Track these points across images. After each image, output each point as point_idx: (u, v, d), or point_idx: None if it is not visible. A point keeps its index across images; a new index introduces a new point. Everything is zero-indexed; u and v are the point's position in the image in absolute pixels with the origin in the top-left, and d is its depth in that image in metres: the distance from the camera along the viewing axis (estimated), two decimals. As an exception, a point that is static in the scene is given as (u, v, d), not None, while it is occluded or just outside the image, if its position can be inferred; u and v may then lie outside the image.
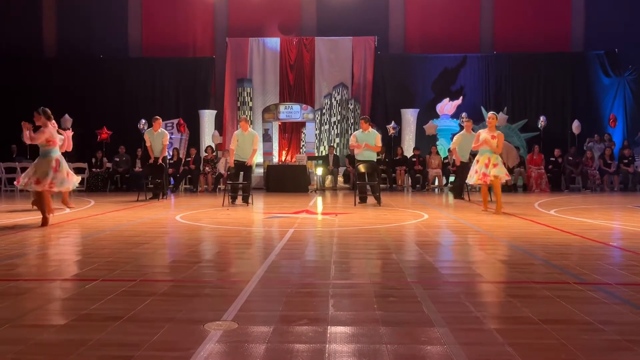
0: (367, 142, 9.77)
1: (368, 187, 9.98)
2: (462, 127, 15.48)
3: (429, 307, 2.99)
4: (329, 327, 2.66)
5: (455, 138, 10.98)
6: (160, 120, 11.22)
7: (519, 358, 2.24)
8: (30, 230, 6.27)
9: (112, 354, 2.33)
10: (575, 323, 2.73)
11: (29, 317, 2.87)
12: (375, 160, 10.07)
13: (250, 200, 9.89)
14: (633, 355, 2.30)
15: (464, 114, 15.77)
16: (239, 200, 10.14)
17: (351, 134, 16.84)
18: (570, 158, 14.33)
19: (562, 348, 2.36)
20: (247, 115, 16.87)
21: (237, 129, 16.80)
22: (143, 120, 15.78)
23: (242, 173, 10.39)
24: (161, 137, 10.92)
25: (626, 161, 14.19)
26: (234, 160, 10.06)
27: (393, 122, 15.88)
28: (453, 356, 2.27)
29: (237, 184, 10.19)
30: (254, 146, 10.12)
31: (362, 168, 9.80)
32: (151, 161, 10.95)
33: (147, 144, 11.06)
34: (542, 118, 15.40)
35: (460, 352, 2.31)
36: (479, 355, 2.28)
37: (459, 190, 10.97)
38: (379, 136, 10.05)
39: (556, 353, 2.32)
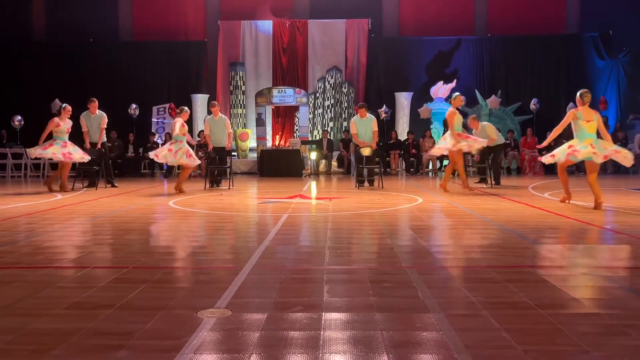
0: (365, 127, 9.93)
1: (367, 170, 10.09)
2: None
3: (424, 293, 2.97)
4: (323, 313, 2.64)
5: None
6: (96, 102, 10.18)
7: (515, 344, 2.23)
8: (21, 217, 6.20)
9: (104, 343, 2.29)
10: (571, 307, 2.72)
11: (19, 305, 2.82)
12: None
13: (232, 184, 10.06)
14: (630, 339, 2.29)
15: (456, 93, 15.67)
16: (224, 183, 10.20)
17: (345, 118, 16.83)
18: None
19: (559, 333, 2.35)
20: (238, 100, 16.75)
21: (230, 113, 16.76)
22: (134, 105, 15.62)
23: (218, 157, 10.38)
24: (99, 120, 10.10)
25: (619, 144, 14.18)
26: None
27: (385, 107, 15.79)
28: (449, 342, 2.25)
29: (218, 168, 10.31)
30: (227, 130, 10.12)
31: (364, 152, 9.83)
32: (87, 147, 9.89)
33: (84, 129, 10.02)
34: (532, 101, 15.34)
35: (456, 338, 2.30)
36: (475, 342, 2.26)
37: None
38: (375, 120, 10.04)
39: (552, 338, 2.30)
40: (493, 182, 10.30)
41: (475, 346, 2.21)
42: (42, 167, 13.90)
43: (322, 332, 2.39)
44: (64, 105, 9.69)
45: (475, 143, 9.06)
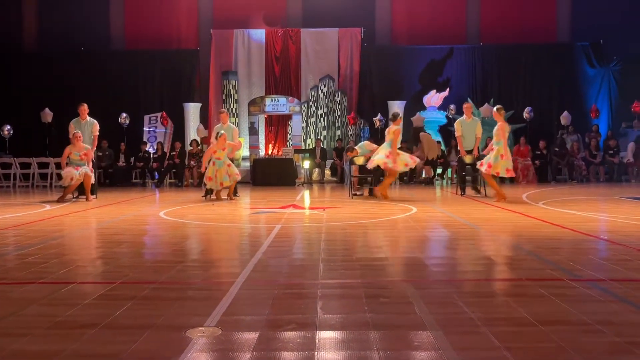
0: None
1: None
2: (449, 119, 15.46)
3: (421, 309, 2.89)
4: (317, 332, 2.54)
5: (456, 125, 10.31)
6: (86, 106, 9.76)
7: (517, 364, 2.14)
8: (8, 229, 6.07)
9: (87, 366, 2.18)
10: (573, 324, 2.64)
11: (0, 324, 2.71)
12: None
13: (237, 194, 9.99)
14: (635, 358, 2.21)
15: (452, 106, 15.70)
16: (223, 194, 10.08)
17: (338, 126, 16.75)
18: (557, 149, 14.35)
19: (561, 352, 2.27)
20: (231, 108, 16.65)
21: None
22: (124, 114, 15.49)
23: None
24: (90, 127, 9.74)
25: (611, 152, 14.24)
26: None
27: (379, 115, 15.77)
28: (448, 363, 2.16)
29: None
30: (234, 140, 9.96)
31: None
32: None
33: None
34: (526, 109, 15.37)
35: (456, 357, 2.21)
36: (475, 362, 2.17)
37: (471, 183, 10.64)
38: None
39: (555, 357, 2.22)
40: (481, 189, 10.22)
41: (475, 367, 2.12)
42: (31, 177, 13.72)
43: (316, 352, 2.29)
44: (75, 131, 9.49)
45: (405, 162, 9.46)
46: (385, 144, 9.52)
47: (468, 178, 10.61)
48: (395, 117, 9.70)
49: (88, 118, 9.85)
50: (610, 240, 5.09)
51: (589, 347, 2.32)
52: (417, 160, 10.08)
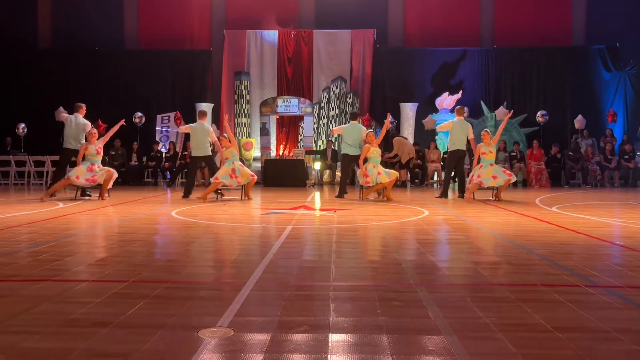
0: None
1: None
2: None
3: (434, 313, 2.85)
4: (330, 334, 2.52)
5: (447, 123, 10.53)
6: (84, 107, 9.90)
7: (534, 371, 2.10)
8: (21, 226, 6.11)
9: (99, 365, 2.17)
10: (590, 331, 2.59)
11: (13, 322, 2.71)
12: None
13: (243, 195, 10.00)
14: (655, 368, 2.16)
15: (465, 108, 15.50)
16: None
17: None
18: (571, 153, 14.20)
19: None
20: (243, 109, 16.68)
21: (234, 122, 16.72)
22: (139, 114, 15.58)
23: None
24: (83, 126, 9.75)
25: (627, 157, 14.07)
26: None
27: (390, 117, 15.65)
28: (464, 369, 2.12)
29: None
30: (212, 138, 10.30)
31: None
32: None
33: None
34: (539, 113, 15.23)
35: (471, 363, 2.17)
36: (491, 368, 2.13)
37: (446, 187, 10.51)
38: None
39: (573, 365, 2.18)
40: (457, 194, 10.18)
41: (491, 373, 2.08)
42: (44, 175, 13.84)
43: (328, 355, 2.27)
44: (90, 127, 9.68)
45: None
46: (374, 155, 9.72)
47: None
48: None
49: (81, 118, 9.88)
50: (626, 246, 5.01)
51: (606, 356, 2.27)
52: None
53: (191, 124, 10.44)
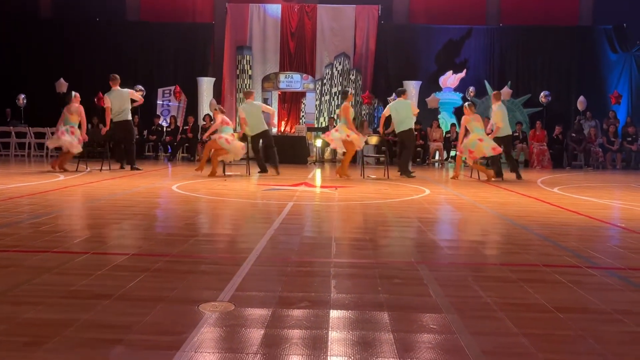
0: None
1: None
2: (465, 100, 15.18)
3: (436, 291, 2.85)
4: (330, 310, 2.52)
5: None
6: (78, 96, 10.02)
7: (535, 351, 2.10)
8: (22, 197, 6.10)
9: (100, 337, 2.17)
10: (592, 312, 2.59)
11: (14, 292, 2.71)
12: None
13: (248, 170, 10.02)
14: (656, 349, 2.16)
15: (471, 88, 15.35)
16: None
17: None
18: (574, 135, 14.12)
19: (580, 340, 2.22)
20: (245, 84, 16.55)
21: (235, 97, 16.59)
22: (139, 86, 15.42)
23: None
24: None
25: (629, 139, 14.00)
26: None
27: (394, 95, 15.54)
28: (465, 347, 2.12)
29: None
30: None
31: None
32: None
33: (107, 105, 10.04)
34: (542, 94, 15.08)
35: (473, 342, 2.17)
36: (492, 347, 2.13)
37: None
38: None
39: (575, 346, 2.18)
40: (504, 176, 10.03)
41: (492, 352, 2.09)
42: (45, 146, 13.79)
43: (329, 331, 2.27)
44: (73, 93, 9.84)
45: (360, 138, 9.73)
46: (340, 123, 9.67)
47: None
48: (345, 94, 9.98)
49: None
50: (628, 228, 5.00)
51: (608, 337, 2.27)
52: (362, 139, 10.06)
53: (242, 105, 10.35)
